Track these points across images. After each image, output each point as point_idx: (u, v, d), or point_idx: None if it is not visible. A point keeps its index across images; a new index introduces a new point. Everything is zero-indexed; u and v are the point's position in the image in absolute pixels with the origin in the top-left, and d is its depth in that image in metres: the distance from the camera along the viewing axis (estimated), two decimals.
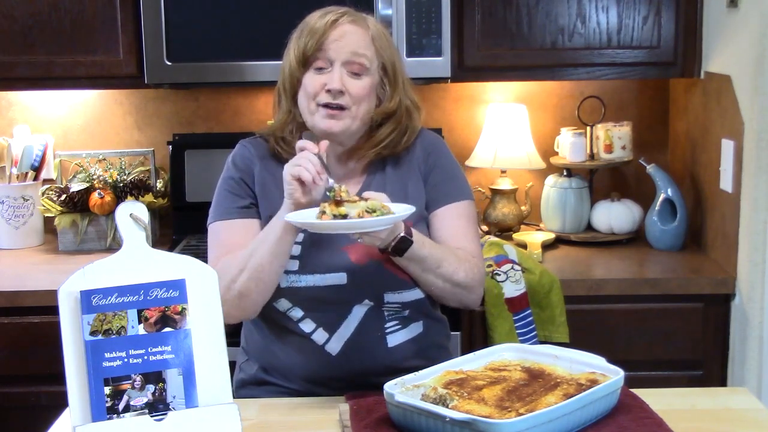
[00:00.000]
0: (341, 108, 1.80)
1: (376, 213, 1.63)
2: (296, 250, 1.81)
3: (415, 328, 1.87)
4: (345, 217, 1.62)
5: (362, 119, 1.84)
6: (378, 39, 1.85)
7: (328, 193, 1.69)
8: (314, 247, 1.82)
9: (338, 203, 1.64)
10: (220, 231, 1.88)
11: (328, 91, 1.79)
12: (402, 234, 1.73)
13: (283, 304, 1.82)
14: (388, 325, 1.84)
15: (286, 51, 1.88)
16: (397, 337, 1.85)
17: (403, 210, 1.68)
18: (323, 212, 1.64)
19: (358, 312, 1.82)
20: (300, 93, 1.84)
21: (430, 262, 1.79)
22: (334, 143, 1.86)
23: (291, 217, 1.68)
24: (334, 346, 1.81)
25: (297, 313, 1.82)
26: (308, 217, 1.67)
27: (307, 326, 1.82)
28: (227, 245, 1.84)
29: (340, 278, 1.80)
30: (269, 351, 1.88)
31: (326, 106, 1.80)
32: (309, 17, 1.86)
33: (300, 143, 1.76)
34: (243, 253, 1.78)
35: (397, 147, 1.90)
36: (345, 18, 1.83)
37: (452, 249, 1.85)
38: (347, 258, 1.81)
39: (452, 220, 1.91)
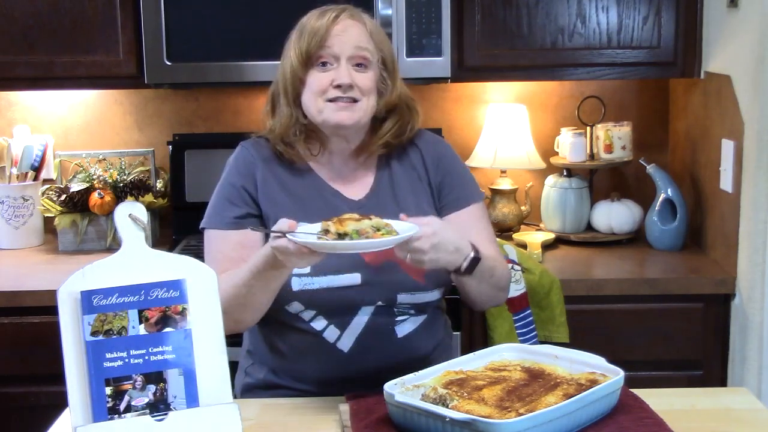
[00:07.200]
0: (353, 101, 1.82)
1: (381, 231, 1.60)
2: None
3: (423, 316, 1.88)
4: (348, 236, 1.57)
5: (371, 113, 1.87)
6: (376, 33, 1.88)
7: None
8: None
9: (342, 221, 1.60)
10: (212, 241, 1.88)
11: (338, 86, 1.81)
12: (473, 255, 1.72)
13: (296, 306, 1.81)
14: (398, 318, 1.84)
15: (284, 55, 1.89)
16: (405, 327, 1.85)
17: (408, 229, 1.62)
18: (327, 231, 1.59)
19: (369, 308, 1.82)
20: (305, 93, 1.85)
21: (487, 272, 1.79)
22: (341, 141, 1.88)
23: (293, 236, 1.59)
24: (346, 343, 1.81)
25: (309, 313, 1.82)
26: (310, 236, 1.60)
27: (318, 324, 1.82)
28: (221, 260, 1.82)
29: (353, 278, 1.80)
30: (278, 353, 1.87)
31: (336, 100, 1.81)
32: (306, 18, 1.87)
33: (279, 243, 1.60)
34: (236, 285, 1.72)
35: (402, 137, 1.92)
36: (345, 14, 1.86)
37: (493, 255, 1.86)
38: (360, 258, 1.80)
39: (472, 223, 1.91)
